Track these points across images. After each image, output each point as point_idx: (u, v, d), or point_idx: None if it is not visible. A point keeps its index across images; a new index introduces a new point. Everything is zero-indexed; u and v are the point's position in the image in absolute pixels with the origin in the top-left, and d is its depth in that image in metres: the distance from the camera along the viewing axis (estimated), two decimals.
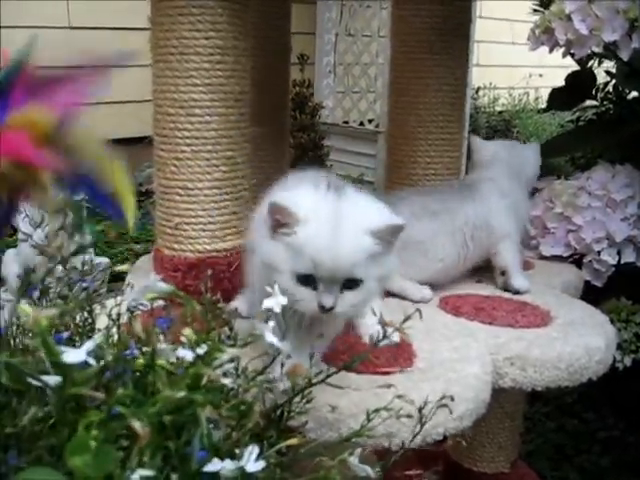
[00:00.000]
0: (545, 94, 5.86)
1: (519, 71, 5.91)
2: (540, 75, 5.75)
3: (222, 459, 0.53)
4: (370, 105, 4.81)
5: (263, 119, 1.45)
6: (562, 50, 1.52)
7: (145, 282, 0.65)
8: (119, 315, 0.80)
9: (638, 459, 1.92)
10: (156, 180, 1.27)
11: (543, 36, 1.51)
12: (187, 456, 0.51)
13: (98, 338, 0.49)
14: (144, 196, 3.99)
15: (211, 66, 1.17)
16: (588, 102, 2.32)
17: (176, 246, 1.24)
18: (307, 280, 0.84)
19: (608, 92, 2.39)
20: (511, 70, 5.99)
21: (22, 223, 2.24)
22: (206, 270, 1.19)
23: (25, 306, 0.46)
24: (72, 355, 0.47)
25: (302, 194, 0.87)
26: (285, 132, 1.70)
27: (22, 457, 0.51)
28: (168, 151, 1.22)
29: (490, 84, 5.94)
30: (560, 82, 1.91)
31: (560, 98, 1.83)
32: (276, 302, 0.65)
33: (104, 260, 2.38)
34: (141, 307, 0.84)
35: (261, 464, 0.54)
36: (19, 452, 0.52)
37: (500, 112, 5.95)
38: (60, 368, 0.47)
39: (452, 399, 0.92)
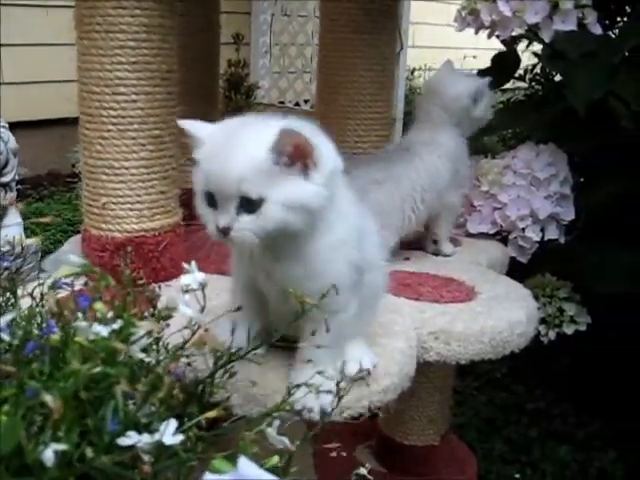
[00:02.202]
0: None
1: (454, 52, 5.96)
2: (474, 57, 5.83)
3: (140, 433, 0.54)
4: (306, 85, 4.81)
5: (192, 98, 1.43)
6: (487, 32, 1.55)
7: (57, 254, 0.65)
8: (42, 295, 0.79)
9: (563, 429, 2.00)
10: (82, 159, 1.26)
11: (469, 17, 1.54)
12: (104, 430, 0.52)
13: (12, 314, 0.49)
14: (77, 177, 3.92)
15: (137, 44, 1.16)
16: (519, 84, 2.38)
17: (104, 226, 1.23)
18: (210, 200, 0.83)
19: (536, 74, 2.45)
20: (446, 51, 6.03)
21: None
22: (134, 250, 1.20)
23: None
24: None
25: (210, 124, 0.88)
26: (215, 111, 1.70)
27: None
28: (94, 130, 1.21)
29: (425, 65, 6.00)
30: None
31: None
32: (194, 279, 0.65)
33: (33, 242, 2.34)
34: (64, 286, 0.84)
35: (179, 437, 0.55)
36: None
37: None
38: None
39: (369, 373, 0.95)
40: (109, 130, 1.19)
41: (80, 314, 0.59)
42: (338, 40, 1.54)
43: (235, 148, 0.81)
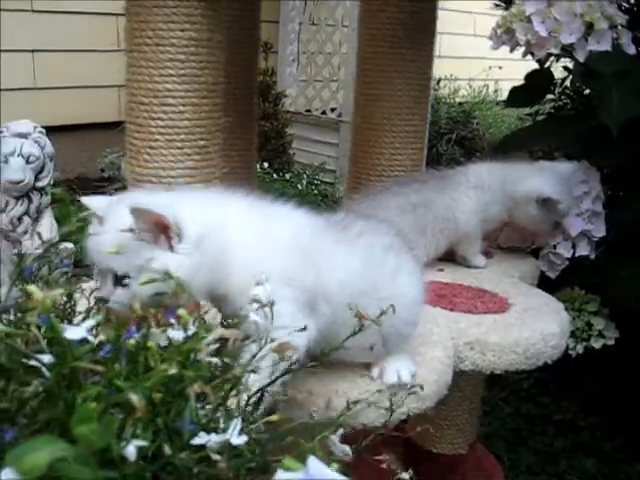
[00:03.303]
0: (505, 86, 5.95)
1: (479, 63, 5.99)
2: (500, 67, 5.84)
3: (207, 432, 0.58)
4: (333, 94, 4.84)
5: (231, 109, 1.47)
6: (522, 50, 1.58)
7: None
8: (101, 299, 0.83)
9: (590, 441, 2.01)
10: (128, 167, 1.30)
11: (504, 36, 1.57)
12: (177, 429, 0.55)
13: (96, 318, 0.53)
14: (106, 182, 3.99)
15: (186, 57, 1.20)
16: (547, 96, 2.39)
17: None
18: (98, 273, 0.86)
19: (566, 87, 2.46)
20: (471, 62, 6.07)
21: None
22: None
23: (32, 287, 0.49)
24: (73, 332, 0.51)
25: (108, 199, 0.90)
26: (252, 122, 1.73)
27: (21, 431, 0.55)
28: (141, 139, 1.24)
29: (451, 75, 6.02)
30: (519, 75, 1.97)
31: (519, 96, 1.88)
32: (264, 290, 0.69)
33: (68, 245, 2.40)
34: None
35: (244, 438, 0.59)
36: (17, 427, 0.55)
37: (460, 103, 6.03)
38: (60, 344, 0.50)
39: (422, 388, 0.99)
40: (156, 140, 1.23)
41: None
42: (376, 54, 1.58)
43: (105, 228, 0.84)
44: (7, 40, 3.68)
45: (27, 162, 2.25)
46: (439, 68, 5.68)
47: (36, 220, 2.33)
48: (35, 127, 2.30)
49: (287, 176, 4.44)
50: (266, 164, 4.35)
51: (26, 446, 0.44)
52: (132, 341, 0.56)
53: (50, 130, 2.38)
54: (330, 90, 4.86)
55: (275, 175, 4.37)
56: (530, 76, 1.83)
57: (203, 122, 1.24)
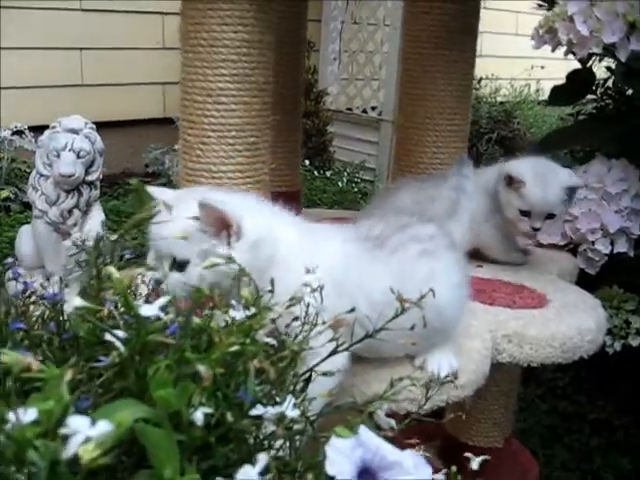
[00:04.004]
0: (546, 86, 5.92)
1: (521, 62, 5.97)
2: (542, 67, 5.82)
3: (264, 405, 0.63)
4: (374, 93, 4.87)
5: (278, 108, 1.51)
6: (564, 49, 1.60)
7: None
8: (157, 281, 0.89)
9: (625, 440, 2.02)
10: (182, 162, 1.36)
11: (546, 35, 1.60)
12: (236, 401, 0.60)
13: (165, 298, 0.58)
14: (151, 177, 4.07)
15: (238, 58, 1.25)
16: (588, 96, 2.41)
17: None
18: (156, 258, 0.95)
19: (608, 87, 2.47)
20: (513, 61, 6.05)
21: (38, 200, 2.32)
22: None
23: (111, 268, 0.55)
24: (147, 309, 0.56)
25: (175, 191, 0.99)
26: (298, 120, 1.79)
27: (96, 400, 0.60)
28: (195, 136, 1.30)
29: (492, 75, 6.01)
30: (561, 74, 1.99)
31: (561, 95, 1.91)
32: (315, 277, 0.74)
33: (115, 237, 2.47)
34: None
35: (297, 411, 0.64)
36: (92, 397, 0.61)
37: (501, 103, 6.02)
38: (136, 320, 0.56)
39: (456, 377, 1.03)
40: (209, 136, 1.29)
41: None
42: (420, 55, 1.62)
43: (171, 216, 0.90)
44: (57, 38, 3.79)
45: (78, 157, 2.31)
46: (480, 67, 5.65)
47: (85, 213, 2.40)
48: (86, 123, 2.37)
49: (327, 174, 4.49)
50: (307, 162, 4.40)
51: (110, 407, 0.50)
52: (198, 320, 0.62)
53: (96, 126, 2.45)
54: (371, 89, 4.90)
55: (316, 173, 4.42)
56: (572, 75, 1.86)
57: (253, 120, 1.29)
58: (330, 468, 0.54)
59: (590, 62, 1.93)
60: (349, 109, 4.96)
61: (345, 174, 4.55)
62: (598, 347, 1.30)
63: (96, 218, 2.41)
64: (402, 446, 0.92)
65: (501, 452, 1.69)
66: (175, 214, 0.91)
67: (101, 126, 2.67)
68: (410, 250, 1.06)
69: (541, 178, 1.42)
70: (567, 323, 1.27)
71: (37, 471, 0.43)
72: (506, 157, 5.03)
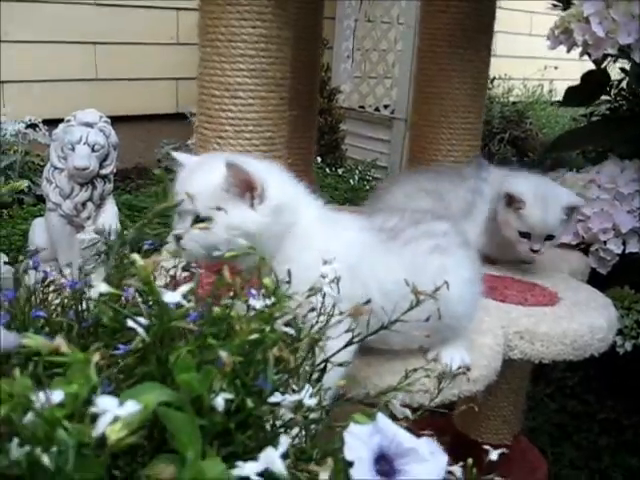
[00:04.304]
0: (559, 86, 5.89)
1: (534, 62, 5.95)
2: (555, 67, 5.80)
3: (282, 393, 0.64)
4: (386, 91, 4.88)
5: (295, 103, 1.52)
6: (579, 50, 1.61)
7: None
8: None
9: (634, 440, 2.03)
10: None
11: (562, 36, 1.60)
12: (257, 388, 0.62)
13: (190, 285, 0.59)
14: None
15: (256, 53, 1.27)
16: (602, 97, 2.41)
17: None
18: (179, 214, 0.96)
19: (622, 89, 2.48)
20: (526, 61, 6.04)
21: (52, 193, 2.34)
22: None
23: (135, 255, 0.56)
24: (170, 296, 0.58)
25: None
26: (313, 116, 1.80)
27: (118, 385, 0.62)
28: (212, 130, 1.32)
29: (505, 75, 6.00)
30: (574, 75, 1.99)
31: (575, 96, 1.92)
32: (332, 268, 0.75)
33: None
34: (193, 268, 0.95)
35: (315, 400, 0.65)
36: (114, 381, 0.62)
37: (514, 103, 6.01)
38: (159, 307, 0.57)
39: (468, 369, 1.04)
40: (226, 130, 1.30)
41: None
42: (435, 53, 1.62)
43: (198, 175, 0.95)
44: (71, 32, 3.81)
45: (92, 150, 2.33)
46: (493, 67, 5.60)
47: (99, 206, 2.42)
48: (101, 117, 2.39)
49: (339, 171, 4.50)
50: (319, 159, 4.41)
51: (134, 390, 0.51)
52: (218, 309, 0.63)
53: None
54: (384, 87, 4.90)
55: (328, 170, 4.43)
56: (586, 76, 1.86)
57: (270, 115, 1.31)
58: (348, 453, 0.55)
59: (605, 63, 1.93)
60: (362, 107, 4.97)
61: (357, 172, 4.56)
62: (608, 345, 1.30)
63: (109, 211, 2.43)
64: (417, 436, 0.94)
65: (510, 449, 1.70)
66: (200, 173, 0.94)
67: (114, 120, 2.69)
68: (423, 245, 1.07)
69: (542, 199, 1.38)
70: (578, 321, 1.27)
71: (65, 450, 0.45)
72: (518, 157, 5.02)
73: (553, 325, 1.25)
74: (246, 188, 0.93)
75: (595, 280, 1.68)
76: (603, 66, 1.92)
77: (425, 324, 0.89)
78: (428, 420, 1.10)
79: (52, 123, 3.31)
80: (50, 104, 3.64)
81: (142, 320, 0.62)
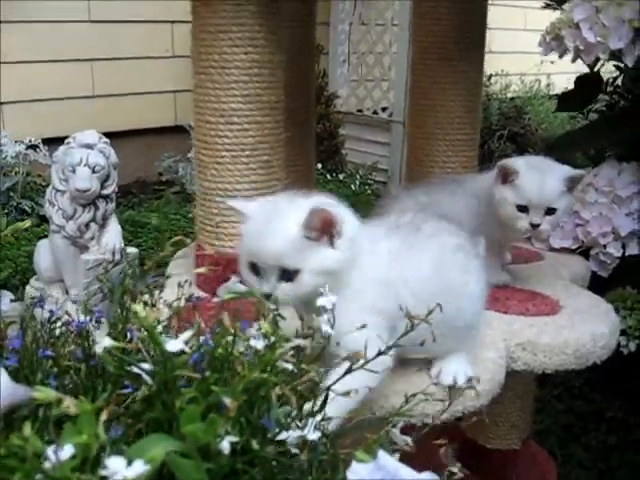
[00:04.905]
0: (557, 80, 5.87)
1: (531, 57, 5.95)
2: (552, 62, 5.78)
3: (286, 430, 0.66)
4: (384, 94, 4.89)
5: (290, 122, 1.52)
6: (571, 56, 1.62)
7: (227, 284, 0.77)
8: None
9: None
10: (197, 182, 1.39)
11: (553, 42, 1.62)
12: (261, 427, 0.63)
13: (191, 331, 0.61)
14: (164, 185, 4.11)
15: (249, 78, 1.29)
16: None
17: (217, 242, 1.36)
18: (254, 269, 0.96)
19: (617, 86, 2.48)
20: (523, 56, 6.03)
21: (55, 215, 2.36)
22: None
23: (137, 306, 0.58)
24: (172, 344, 0.59)
25: (255, 200, 1.02)
26: (311, 131, 1.81)
27: (127, 430, 0.63)
28: (209, 156, 1.33)
29: (502, 71, 6.00)
30: (572, 68, 1.99)
31: (569, 100, 1.93)
32: (328, 300, 0.76)
33: (133, 250, 2.51)
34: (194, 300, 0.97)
35: (318, 434, 0.67)
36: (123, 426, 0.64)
37: (512, 99, 6.01)
38: (162, 355, 0.59)
39: (478, 381, 1.05)
40: (223, 156, 1.32)
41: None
42: (428, 66, 1.64)
43: (273, 227, 0.94)
44: (66, 50, 3.84)
45: (93, 172, 2.35)
46: (490, 64, 5.65)
47: (102, 226, 2.44)
48: (100, 137, 2.41)
49: (340, 177, 4.51)
50: (319, 165, 4.43)
51: (142, 443, 0.53)
52: (220, 349, 0.64)
53: (108, 136, 2.49)
54: (381, 90, 4.91)
55: (328, 176, 4.44)
56: (579, 81, 1.87)
57: (266, 139, 1.32)
58: None
59: (598, 65, 1.95)
60: (359, 111, 4.98)
61: (358, 176, 4.58)
62: (611, 352, 1.31)
63: (113, 231, 2.45)
64: (426, 448, 0.95)
65: (519, 454, 1.71)
66: (276, 225, 0.94)
67: (113, 136, 2.71)
68: (448, 241, 1.08)
69: (536, 168, 1.35)
70: (580, 330, 1.29)
71: None
72: (519, 154, 5.02)
73: (555, 335, 1.26)
74: (324, 229, 0.94)
75: (596, 283, 1.69)
76: (597, 68, 1.93)
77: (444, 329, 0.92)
78: (438, 428, 1.12)
79: (52, 142, 3.34)
80: (49, 123, 3.67)
81: (146, 366, 0.64)
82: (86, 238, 2.38)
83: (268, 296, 0.92)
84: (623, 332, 1.81)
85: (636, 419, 2.10)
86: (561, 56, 1.63)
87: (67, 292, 2.49)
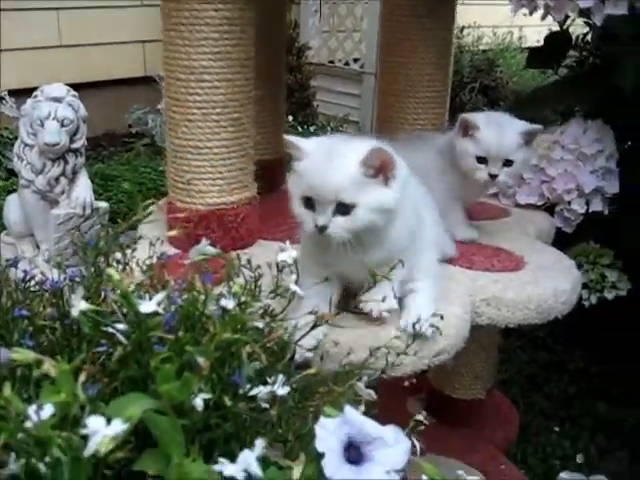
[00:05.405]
0: (529, 32, 5.85)
1: (503, 9, 5.89)
2: (525, 14, 5.75)
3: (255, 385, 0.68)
4: (356, 45, 4.86)
5: (260, 80, 1.51)
6: (541, 12, 1.63)
7: (197, 246, 0.78)
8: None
9: (601, 387, 2.12)
10: (168, 139, 1.39)
11: (523, 0, 1.62)
12: (233, 383, 0.66)
13: (163, 293, 0.63)
14: (134, 137, 4.07)
15: (219, 35, 1.28)
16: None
17: (188, 199, 1.37)
18: (308, 203, 1.02)
19: (587, 42, 2.50)
20: (495, 8, 6.00)
21: (24, 169, 2.34)
22: (215, 221, 1.34)
23: (111, 270, 0.59)
24: (146, 306, 0.61)
25: (314, 138, 1.09)
26: (281, 89, 1.80)
27: (103, 388, 0.66)
28: (180, 113, 1.33)
29: (474, 23, 5.97)
30: (543, 22, 1.99)
31: (539, 58, 1.95)
32: (288, 255, 0.79)
33: (103, 204, 2.50)
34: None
35: (287, 389, 0.69)
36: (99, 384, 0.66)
37: (484, 51, 6.00)
38: (136, 316, 0.61)
39: (442, 317, 1.08)
40: (194, 113, 1.32)
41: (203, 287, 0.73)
42: (398, 23, 1.64)
43: (334, 163, 1.00)
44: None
45: (62, 125, 2.32)
46: (462, 16, 5.60)
47: (72, 181, 2.43)
48: (68, 91, 2.37)
49: (311, 129, 4.50)
50: (290, 117, 4.41)
51: (120, 401, 0.55)
52: (191, 307, 0.67)
53: (76, 87, 2.45)
54: (353, 41, 4.88)
55: (299, 128, 4.43)
56: (549, 38, 1.88)
57: (236, 96, 1.32)
58: (319, 445, 0.60)
59: (568, 22, 1.96)
60: (331, 62, 4.95)
61: (329, 128, 4.57)
62: (572, 307, 1.36)
63: (83, 185, 2.43)
64: (395, 394, 0.99)
65: (484, 403, 1.77)
66: (335, 162, 0.99)
67: (81, 87, 2.67)
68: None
69: (495, 122, 1.41)
70: (543, 285, 1.33)
71: (60, 464, 0.49)
72: (490, 106, 5.00)
73: (519, 291, 1.30)
74: (380, 169, 1.00)
75: (560, 238, 1.73)
76: (567, 25, 1.94)
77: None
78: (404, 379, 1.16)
79: (18, 94, 3.29)
80: (15, 74, 3.60)
81: (121, 326, 0.66)
82: (56, 192, 2.37)
83: (323, 229, 1.00)
84: (585, 286, 1.87)
85: (596, 369, 2.18)
86: (531, 13, 1.64)
87: (38, 247, 2.48)
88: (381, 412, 1.22)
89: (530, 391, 2.13)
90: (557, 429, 2.00)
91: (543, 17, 1.66)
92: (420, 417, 0.87)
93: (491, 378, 1.80)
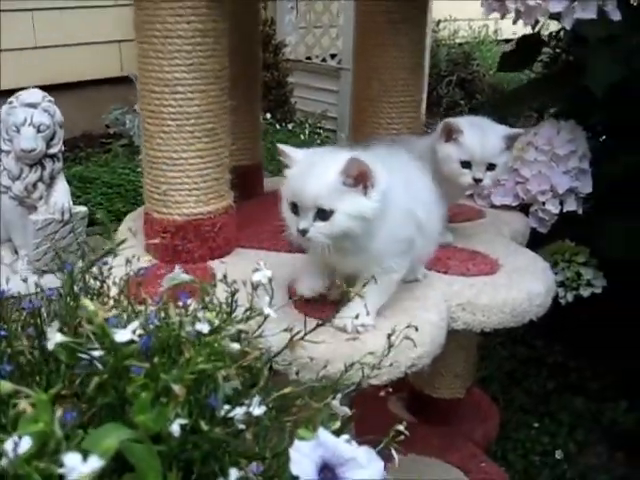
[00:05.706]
0: (505, 25, 5.87)
1: (479, 2, 5.91)
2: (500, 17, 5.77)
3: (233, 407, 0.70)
4: (332, 41, 4.86)
5: (235, 87, 1.50)
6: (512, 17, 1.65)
7: (171, 274, 0.79)
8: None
9: (578, 381, 2.15)
10: (144, 150, 1.39)
11: (495, 3, 1.63)
12: (209, 406, 0.67)
13: (140, 318, 0.64)
14: (112, 138, 4.06)
15: (192, 48, 1.28)
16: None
17: (165, 210, 1.37)
18: (294, 208, 1.08)
19: (560, 39, 2.53)
20: (471, 2, 6.01)
21: (1, 176, 2.34)
22: (192, 231, 1.35)
23: (86, 300, 0.60)
24: (121, 335, 0.62)
25: (305, 149, 1.14)
26: (256, 98, 1.81)
27: (81, 415, 0.67)
28: (155, 125, 1.34)
29: (450, 16, 5.99)
30: None
31: (511, 61, 1.97)
32: (263, 275, 0.80)
33: (82, 209, 2.50)
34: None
35: (263, 409, 0.71)
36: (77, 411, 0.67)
37: (460, 44, 6.03)
38: (112, 345, 0.62)
39: (416, 329, 1.09)
40: (169, 125, 1.32)
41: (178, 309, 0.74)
42: (371, 28, 1.65)
43: (315, 172, 1.06)
44: (6, 1, 3.72)
45: (38, 131, 2.32)
46: (438, 10, 5.66)
47: (50, 186, 2.43)
48: (44, 96, 2.37)
49: (290, 126, 4.51)
50: (268, 115, 4.41)
51: (97, 433, 0.56)
52: (166, 332, 0.68)
53: (52, 89, 2.43)
54: (330, 37, 4.88)
55: (278, 126, 4.43)
56: (521, 41, 1.90)
57: (211, 107, 1.33)
58: (294, 468, 0.61)
59: (540, 25, 1.98)
60: (308, 58, 4.95)
61: (307, 125, 4.57)
62: (546, 309, 1.38)
63: (61, 190, 2.44)
64: (374, 398, 1.00)
65: (464, 402, 1.80)
66: (318, 170, 1.06)
67: (57, 88, 2.66)
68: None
69: (478, 127, 1.43)
70: (517, 288, 1.35)
71: None
72: (467, 99, 5.02)
73: (493, 295, 1.32)
74: (360, 179, 1.05)
75: (535, 239, 1.75)
76: (538, 28, 1.96)
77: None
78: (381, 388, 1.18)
79: None
80: None
81: (97, 354, 0.67)
82: (34, 198, 2.37)
83: (304, 232, 1.06)
84: (561, 284, 1.90)
85: (575, 363, 2.21)
86: (503, 17, 1.65)
87: (17, 252, 2.48)
88: (362, 411, 1.24)
89: (510, 387, 2.16)
90: (536, 425, 2.03)
91: (514, 22, 1.67)
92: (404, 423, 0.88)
93: (471, 377, 1.82)
